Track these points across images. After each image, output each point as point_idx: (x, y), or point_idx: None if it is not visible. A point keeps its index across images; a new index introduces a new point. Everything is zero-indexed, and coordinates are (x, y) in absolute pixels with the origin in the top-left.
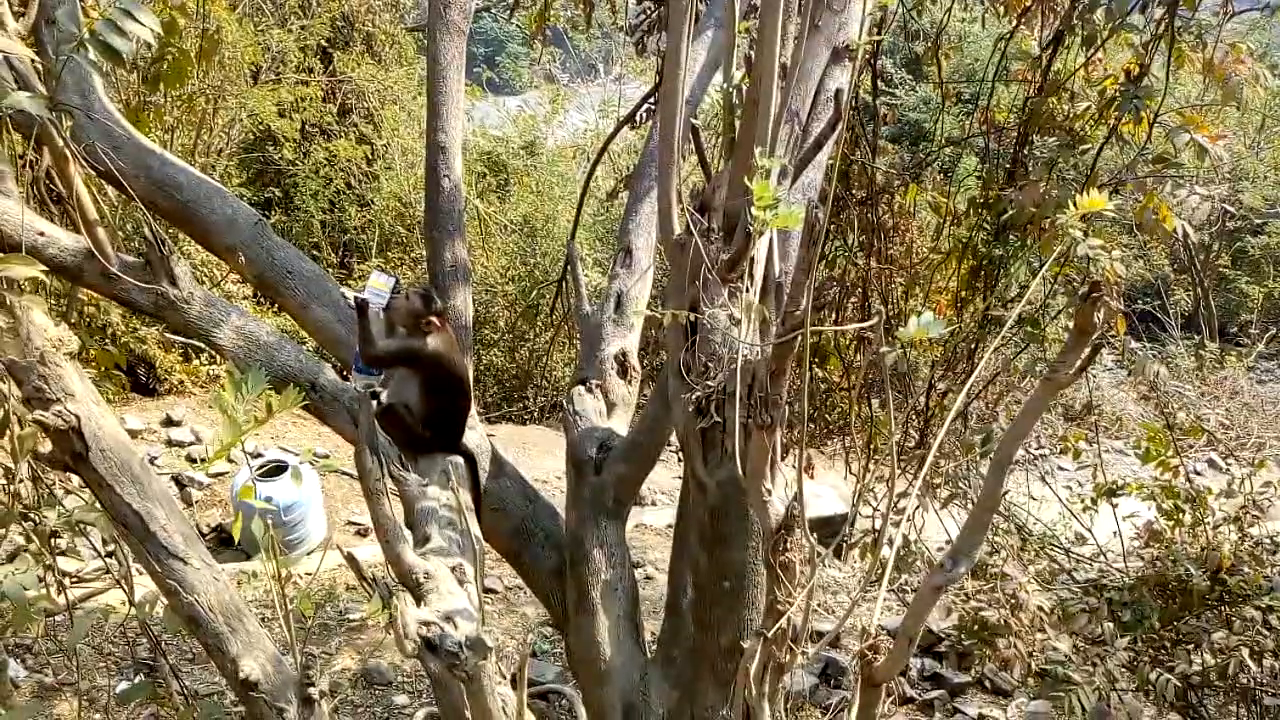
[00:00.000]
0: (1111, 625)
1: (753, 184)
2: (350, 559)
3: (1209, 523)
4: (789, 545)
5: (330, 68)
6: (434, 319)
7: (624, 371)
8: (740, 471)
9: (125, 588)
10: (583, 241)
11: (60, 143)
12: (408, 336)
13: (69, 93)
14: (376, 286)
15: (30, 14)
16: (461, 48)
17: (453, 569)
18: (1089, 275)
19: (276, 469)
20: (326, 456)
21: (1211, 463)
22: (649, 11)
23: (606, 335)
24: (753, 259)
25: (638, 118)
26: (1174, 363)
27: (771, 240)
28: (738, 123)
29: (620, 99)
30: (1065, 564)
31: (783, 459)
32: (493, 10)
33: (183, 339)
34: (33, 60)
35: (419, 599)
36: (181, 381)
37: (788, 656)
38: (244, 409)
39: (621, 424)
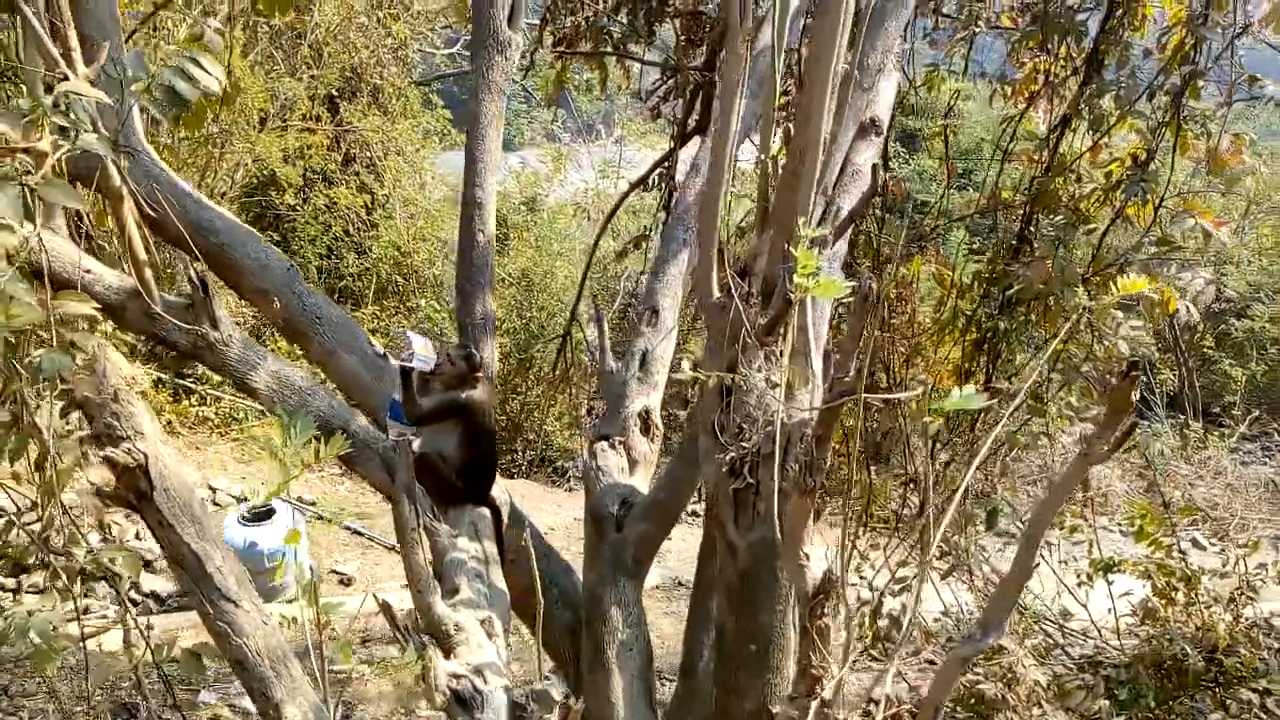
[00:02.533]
0: (1108, 703)
1: (797, 252)
2: (385, 607)
3: (1203, 602)
4: (825, 611)
5: (337, 117)
6: (478, 374)
7: (646, 429)
8: (776, 534)
9: (136, 628)
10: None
11: (118, 182)
12: (448, 390)
13: (124, 134)
14: (423, 353)
15: (100, 57)
16: (502, 108)
17: (482, 622)
18: (1117, 354)
19: (266, 513)
20: (314, 503)
21: (1195, 542)
22: (665, 79)
23: (631, 392)
24: (788, 324)
25: (650, 180)
26: (1160, 441)
27: (807, 307)
28: (771, 191)
29: (620, 160)
30: (1060, 639)
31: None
32: None
33: (175, 378)
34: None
35: (448, 651)
36: (170, 422)
37: None
38: (292, 452)
39: (643, 481)
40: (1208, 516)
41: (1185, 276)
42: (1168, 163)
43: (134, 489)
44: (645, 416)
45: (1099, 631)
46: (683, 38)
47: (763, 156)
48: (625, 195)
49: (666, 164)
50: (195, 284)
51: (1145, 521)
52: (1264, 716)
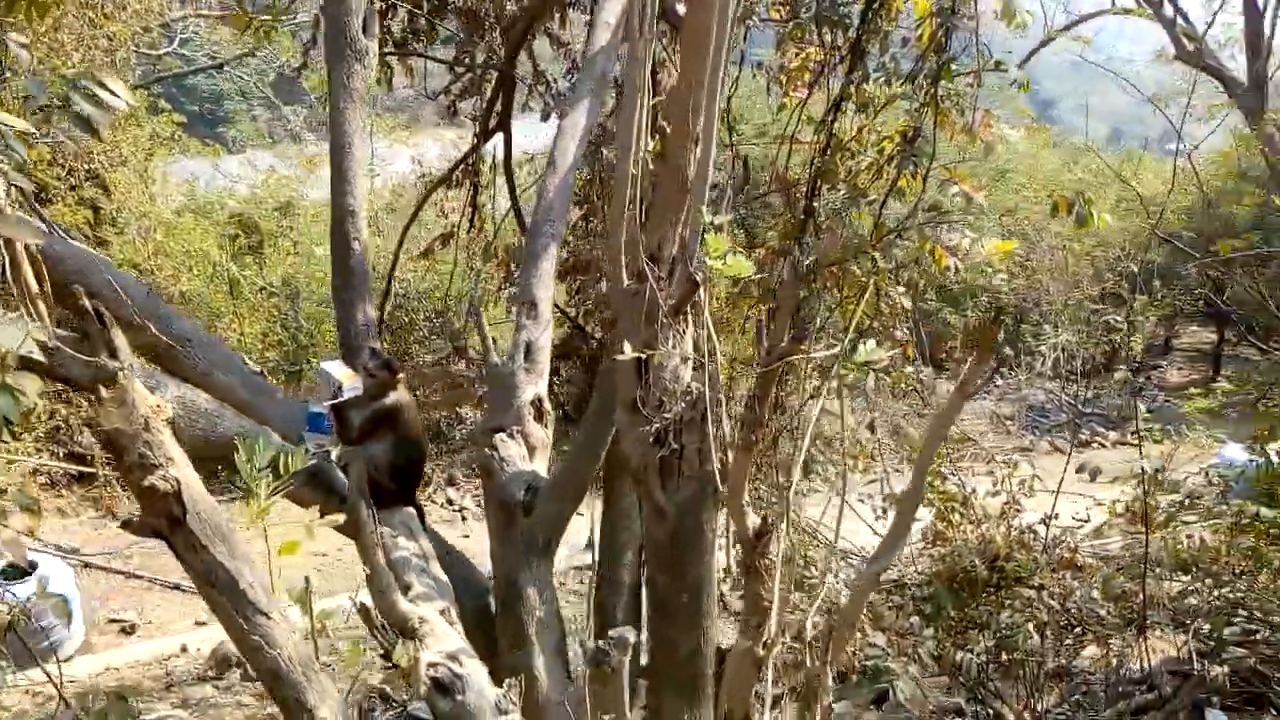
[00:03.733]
0: (917, 619)
1: (708, 239)
2: (364, 611)
3: (979, 519)
4: (766, 550)
5: (46, 128)
6: (398, 378)
7: (540, 416)
8: (704, 491)
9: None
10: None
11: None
12: (372, 400)
13: None
14: (349, 382)
15: None
16: (363, 116)
17: (441, 612)
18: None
19: (19, 569)
20: (76, 550)
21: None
22: (461, 77)
23: (520, 383)
24: (693, 303)
25: (454, 178)
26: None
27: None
28: (653, 184)
29: (374, 157)
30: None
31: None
32: (219, 67)
33: None
34: None
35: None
36: None
37: (769, 647)
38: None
39: (542, 465)
40: (976, 445)
41: (954, 237)
42: (936, 138)
43: (167, 515)
44: (538, 404)
45: (899, 559)
46: (476, 36)
47: (641, 152)
48: (429, 193)
49: (469, 161)
50: (92, 314)
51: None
52: (1040, 607)
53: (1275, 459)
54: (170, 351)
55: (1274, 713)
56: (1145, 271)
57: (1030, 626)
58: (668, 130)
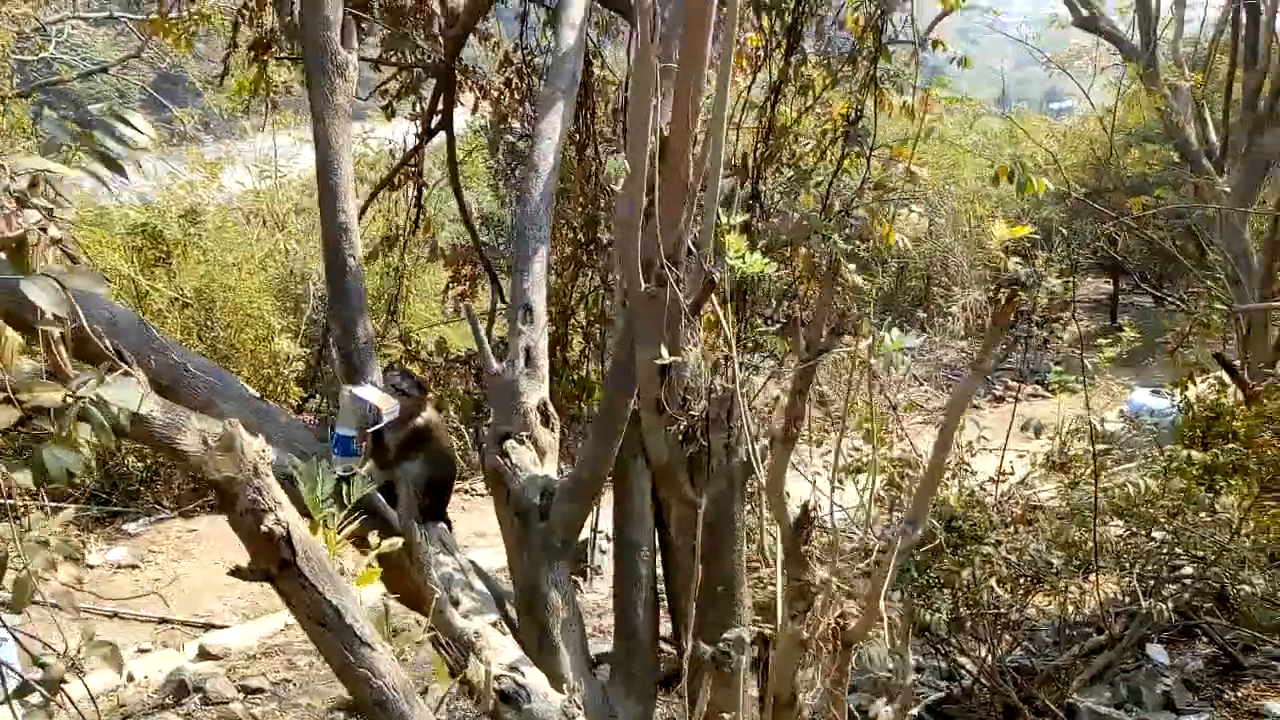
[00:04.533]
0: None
1: (727, 239)
2: (433, 636)
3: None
4: (808, 537)
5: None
6: (428, 396)
7: (546, 420)
8: (734, 486)
9: None
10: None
11: None
12: (403, 421)
13: None
14: (386, 405)
15: None
16: (350, 130)
17: (494, 624)
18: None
19: None
20: None
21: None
22: (396, 76)
23: (523, 389)
24: (711, 303)
25: (396, 179)
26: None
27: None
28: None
29: (276, 154)
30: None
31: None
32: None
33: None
34: None
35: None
36: None
37: (818, 630)
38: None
39: (552, 469)
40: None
41: (903, 213)
42: (879, 119)
43: (276, 559)
44: (544, 409)
45: (855, 526)
46: (410, 34)
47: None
48: (374, 194)
49: (412, 163)
50: (112, 352)
51: (870, 424)
52: (1001, 563)
53: (1195, 404)
54: (167, 383)
55: (1204, 641)
56: (1044, 228)
57: (993, 582)
58: (665, 132)
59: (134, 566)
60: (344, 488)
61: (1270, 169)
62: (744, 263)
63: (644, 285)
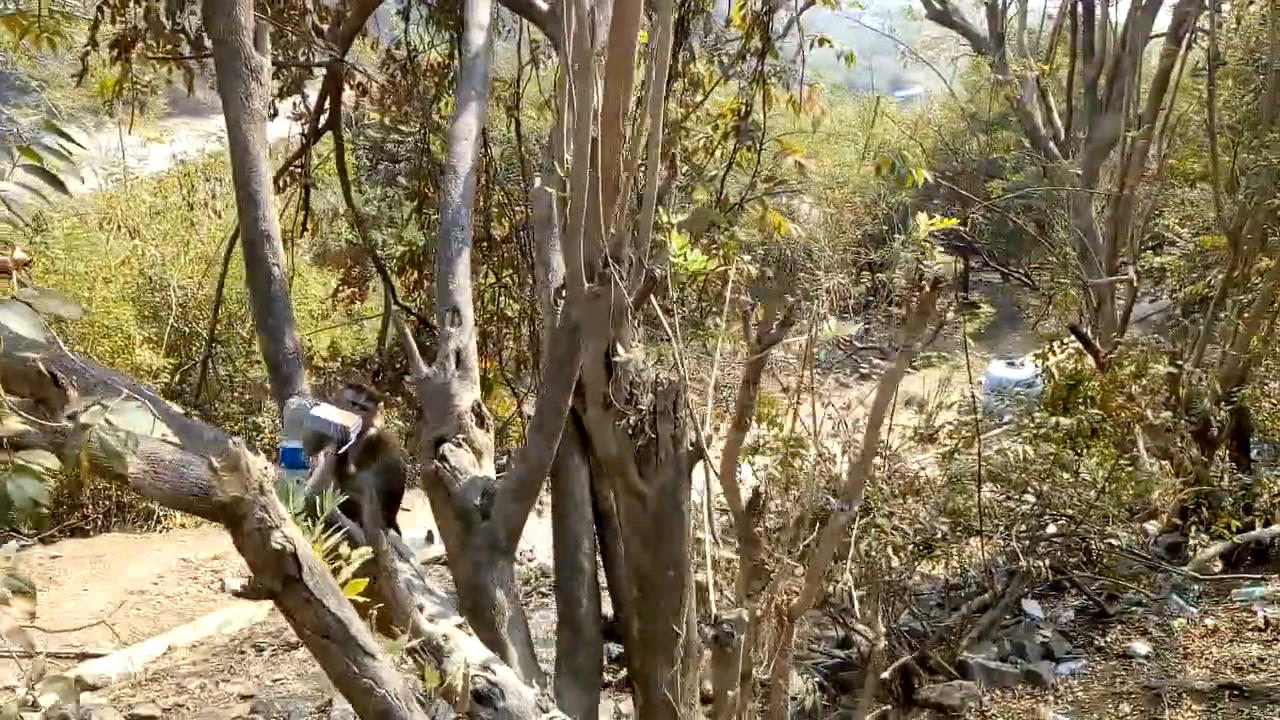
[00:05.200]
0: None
1: (671, 237)
2: (411, 647)
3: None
4: (758, 520)
5: None
6: (378, 407)
7: (481, 421)
8: (680, 475)
9: None
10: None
11: None
12: (357, 433)
13: None
14: (346, 422)
15: None
16: (266, 135)
17: (459, 626)
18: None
19: None
20: None
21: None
22: (280, 72)
23: (455, 391)
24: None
25: (282, 181)
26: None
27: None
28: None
29: (124, 154)
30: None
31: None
32: None
33: None
34: None
35: (445, 659)
36: None
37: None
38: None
39: (490, 469)
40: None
41: (794, 204)
42: (768, 113)
43: (280, 575)
44: (478, 410)
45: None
46: (290, 32)
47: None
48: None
49: (299, 163)
50: (47, 376)
51: (764, 408)
52: (894, 533)
53: (1056, 374)
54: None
55: (1073, 593)
56: (899, 212)
57: (889, 550)
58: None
59: None
60: (317, 500)
61: (1109, 152)
62: (686, 260)
63: (587, 285)
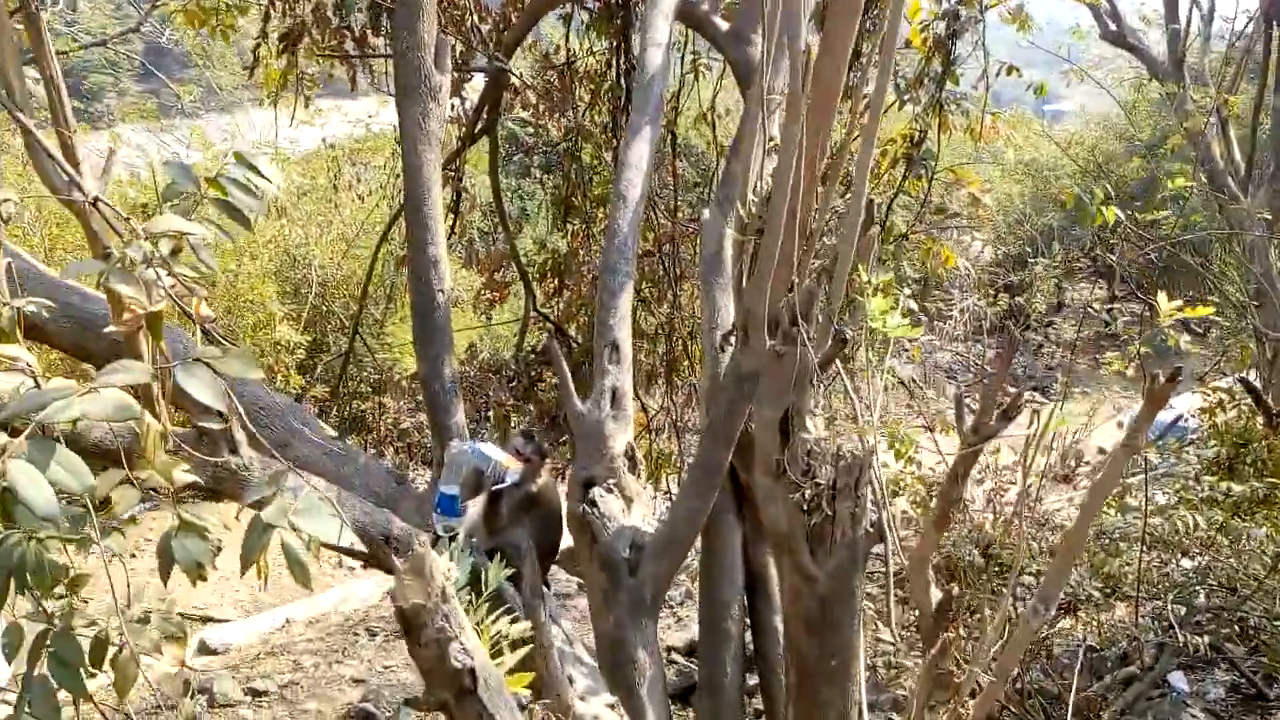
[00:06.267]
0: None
1: (870, 299)
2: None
3: (965, 505)
4: (951, 623)
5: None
6: (545, 461)
7: (634, 467)
8: (855, 561)
9: None
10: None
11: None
12: (519, 484)
13: None
14: (512, 467)
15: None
16: (440, 158)
17: (611, 706)
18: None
19: None
20: None
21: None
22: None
23: (609, 432)
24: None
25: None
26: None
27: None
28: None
29: (277, 136)
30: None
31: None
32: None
33: None
34: None
35: None
36: None
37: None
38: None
39: (640, 519)
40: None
41: (965, 240)
42: (942, 141)
43: (456, 688)
44: (630, 454)
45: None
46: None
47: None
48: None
49: (452, 166)
50: (214, 412)
51: (898, 444)
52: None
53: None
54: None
55: (1223, 669)
56: (1044, 234)
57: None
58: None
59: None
60: (481, 575)
61: None
62: (885, 325)
63: (770, 342)
